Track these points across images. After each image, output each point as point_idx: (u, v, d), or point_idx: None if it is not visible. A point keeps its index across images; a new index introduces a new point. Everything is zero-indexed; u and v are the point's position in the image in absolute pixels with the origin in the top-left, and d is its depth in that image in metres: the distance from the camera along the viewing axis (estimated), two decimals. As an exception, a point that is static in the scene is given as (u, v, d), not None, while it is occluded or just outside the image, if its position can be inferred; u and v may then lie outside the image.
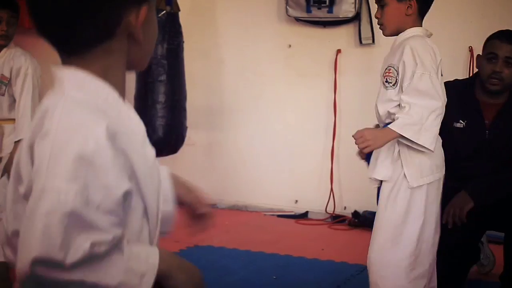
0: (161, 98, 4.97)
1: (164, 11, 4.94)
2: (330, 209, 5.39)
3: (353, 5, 5.09)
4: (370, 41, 5.15)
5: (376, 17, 2.86)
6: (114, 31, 1.22)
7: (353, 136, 2.72)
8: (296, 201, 5.56)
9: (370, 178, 2.86)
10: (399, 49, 2.75)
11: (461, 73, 4.84)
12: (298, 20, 5.38)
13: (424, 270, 2.83)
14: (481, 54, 3.40)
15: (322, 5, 5.16)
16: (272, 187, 5.63)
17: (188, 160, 5.69)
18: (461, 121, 3.35)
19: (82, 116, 1.16)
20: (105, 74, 1.24)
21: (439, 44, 4.78)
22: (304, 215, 5.47)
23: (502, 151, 3.33)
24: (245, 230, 5.02)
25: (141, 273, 1.16)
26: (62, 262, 1.07)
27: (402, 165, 2.76)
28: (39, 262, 1.06)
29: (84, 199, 1.09)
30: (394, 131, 2.65)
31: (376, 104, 2.86)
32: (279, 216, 5.47)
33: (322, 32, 5.37)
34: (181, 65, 5.10)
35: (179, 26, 5.07)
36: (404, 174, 2.76)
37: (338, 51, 5.34)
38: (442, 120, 3.00)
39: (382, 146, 2.74)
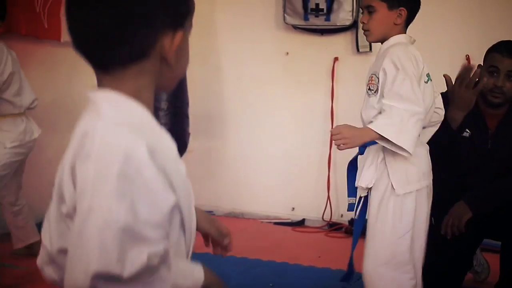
0: (163, 105, 4.97)
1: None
2: (327, 216, 5.39)
3: (350, 13, 5.11)
4: (368, 49, 5.16)
5: (362, 22, 2.83)
6: (148, 53, 1.26)
7: (330, 131, 2.69)
8: (293, 208, 5.56)
9: (357, 186, 2.86)
10: (382, 57, 2.75)
11: (458, 81, 4.86)
12: (295, 27, 5.39)
13: (420, 278, 2.85)
14: (481, 64, 3.38)
15: (320, 13, 5.17)
16: (269, 194, 5.63)
17: (185, 167, 5.69)
18: (467, 130, 3.33)
19: (122, 136, 1.18)
20: (137, 94, 1.27)
21: (435, 52, 4.83)
22: (300, 223, 5.47)
23: (503, 160, 3.33)
24: (242, 237, 5.01)
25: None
26: (120, 275, 1.10)
27: (388, 174, 2.75)
28: (98, 276, 1.09)
29: (134, 214, 1.12)
30: (373, 130, 2.62)
31: (361, 113, 2.85)
32: (275, 223, 5.47)
33: (319, 39, 5.38)
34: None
35: (181, 33, 5.08)
36: (391, 184, 2.74)
37: (336, 58, 5.35)
38: (452, 132, 3.02)
39: (359, 145, 2.72)
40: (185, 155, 5.27)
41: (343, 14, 5.14)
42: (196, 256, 1.54)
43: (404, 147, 2.62)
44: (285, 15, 5.31)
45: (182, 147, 5.15)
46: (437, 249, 3.29)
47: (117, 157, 1.14)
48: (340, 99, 5.35)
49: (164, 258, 1.16)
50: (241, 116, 5.68)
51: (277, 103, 5.58)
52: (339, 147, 2.68)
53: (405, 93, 2.62)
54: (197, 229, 1.49)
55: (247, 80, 5.65)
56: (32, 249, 4.09)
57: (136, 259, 1.11)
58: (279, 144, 5.57)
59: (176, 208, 1.23)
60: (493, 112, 3.34)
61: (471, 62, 4.76)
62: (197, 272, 1.27)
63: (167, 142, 1.31)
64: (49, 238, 1.29)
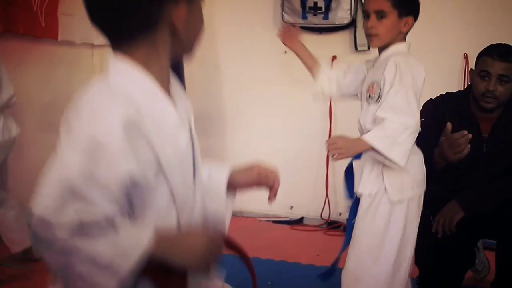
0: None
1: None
2: (325, 215, 5.40)
3: (348, 12, 5.11)
4: (366, 48, 5.15)
5: (370, 26, 2.74)
6: (156, 24, 1.36)
7: (326, 141, 2.70)
8: (292, 207, 5.56)
9: (355, 192, 2.83)
10: (383, 65, 2.72)
11: (456, 80, 4.86)
12: (294, 26, 5.38)
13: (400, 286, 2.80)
14: (473, 68, 3.38)
15: (318, 11, 5.18)
16: (267, 193, 5.62)
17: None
18: None
19: (105, 101, 1.31)
20: (147, 63, 1.37)
21: (433, 51, 4.83)
22: (299, 221, 5.48)
23: (498, 163, 3.33)
24: (240, 236, 4.96)
25: (130, 254, 1.26)
26: (54, 224, 1.21)
27: (383, 179, 2.73)
28: (36, 219, 1.23)
29: (87, 175, 1.24)
30: (366, 142, 2.62)
31: (359, 120, 2.83)
32: (274, 222, 5.48)
33: (317, 38, 5.38)
34: (182, 71, 5.11)
35: (180, 31, 5.08)
36: (385, 188, 2.72)
37: (334, 57, 5.35)
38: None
39: (353, 155, 2.73)
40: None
41: (341, 13, 5.14)
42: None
43: (395, 161, 2.62)
44: (283, 13, 5.31)
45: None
46: (436, 248, 3.31)
47: (93, 120, 1.27)
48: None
49: (109, 223, 1.25)
50: (239, 114, 5.68)
51: (276, 101, 5.58)
52: (333, 157, 2.68)
53: (398, 104, 2.61)
54: (239, 187, 1.80)
55: (246, 79, 5.65)
56: (29, 254, 3.88)
57: (71, 214, 1.22)
58: (278, 142, 5.57)
59: (157, 178, 1.34)
60: (486, 116, 3.33)
61: (469, 61, 4.77)
62: (144, 239, 1.28)
63: (165, 114, 1.39)
64: None
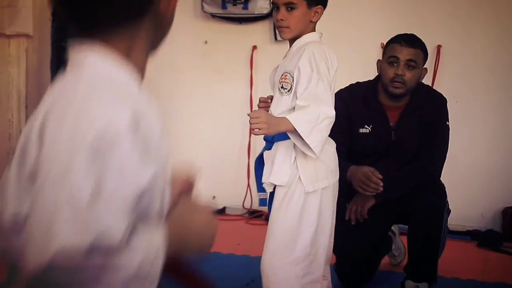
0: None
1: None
2: (247, 204, 5.42)
3: (267, 2, 5.13)
4: (285, 38, 5.19)
5: (280, 19, 2.72)
6: (145, 11, 1.19)
7: (248, 114, 2.63)
8: (214, 197, 5.55)
9: (264, 182, 2.78)
10: (297, 55, 2.71)
11: (373, 70, 4.92)
12: (213, 16, 5.39)
13: (318, 275, 2.78)
14: (381, 59, 3.48)
15: (237, 1, 5.19)
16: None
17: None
18: (366, 126, 3.41)
19: (103, 102, 1.09)
20: (128, 55, 1.20)
21: (351, 42, 4.90)
22: (221, 211, 5.49)
23: (407, 150, 3.43)
24: (162, 227, 4.99)
25: (153, 257, 1.13)
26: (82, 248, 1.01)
27: (297, 169, 2.71)
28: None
29: (98, 194, 1.03)
30: (290, 122, 2.58)
31: (270, 110, 2.79)
32: (196, 212, 5.46)
33: (237, 28, 5.39)
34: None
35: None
36: (299, 178, 2.71)
37: (254, 47, 5.38)
38: (349, 126, 3.20)
39: (274, 133, 2.66)
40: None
41: (261, 3, 5.16)
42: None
43: (311, 147, 2.60)
44: (203, 3, 5.30)
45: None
46: (351, 235, 3.37)
47: (93, 128, 1.05)
48: (259, 87, 5.37)
49: (130, 234, 1.09)
50: (159, 106, 5.64)
51: (197, 91, 5.57)
52: (254, 131, 2.63)
53: (320, 94, 2.61)
54: None
55: (166, 69, 5.61)
56: None
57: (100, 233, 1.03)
58: (199, 133, 5.56)
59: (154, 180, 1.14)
60: (394, 105, 3.43)
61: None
62: (158, 238, 1.16)
63: (152, 113, 1.21)
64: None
